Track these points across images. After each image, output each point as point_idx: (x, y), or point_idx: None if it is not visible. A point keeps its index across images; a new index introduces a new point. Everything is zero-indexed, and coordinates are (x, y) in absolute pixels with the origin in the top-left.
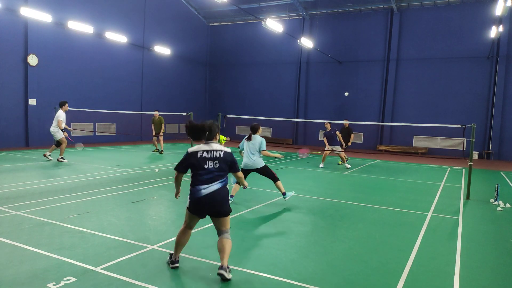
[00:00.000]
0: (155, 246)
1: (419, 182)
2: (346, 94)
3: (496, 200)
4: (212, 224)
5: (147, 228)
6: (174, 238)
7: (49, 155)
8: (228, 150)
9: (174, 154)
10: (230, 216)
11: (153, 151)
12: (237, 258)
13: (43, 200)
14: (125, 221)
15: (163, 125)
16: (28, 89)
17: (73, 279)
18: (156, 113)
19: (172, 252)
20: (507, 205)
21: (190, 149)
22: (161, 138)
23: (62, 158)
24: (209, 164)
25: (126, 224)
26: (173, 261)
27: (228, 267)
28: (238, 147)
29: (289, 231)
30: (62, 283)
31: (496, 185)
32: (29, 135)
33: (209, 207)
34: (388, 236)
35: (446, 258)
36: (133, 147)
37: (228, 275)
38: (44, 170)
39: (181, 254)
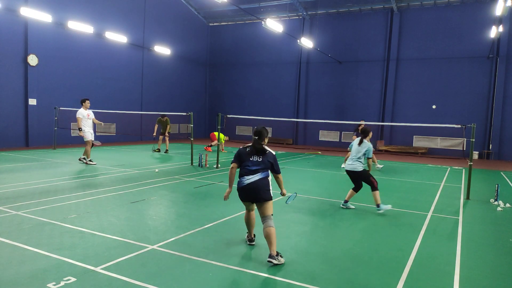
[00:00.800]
0: (155, 246)
1: (419, 182)
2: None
3: (496, 200)
4: (212, 224)
5: (147, 228)
6: (174, 238)
7: (90, 160)
8: (273, 152)
9: (175, 154)
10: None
11: (154, 151)
12: (237, 258)
13: (43, 200)
14: (125, 221)
15: (168, 126)
16: (28, 89)
17: (73, 279)
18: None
19: (247, 233)
20: (507, 205)
21: (242, 146)
22: (167, 138)
23: (84, 158)
24: (254, 158)
25: (126, 224)
26: (250, 239)
27: (277, 254)
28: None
29: (289, 231)
30: (62, 283)
31: (496, 185)
32: (29, 135)
33: (250, 194)
34: (388, 236)
35: (446, 258)
36: (133, 147)
37: (279, 261)
38: (44, 170)
39: (180, 254)
